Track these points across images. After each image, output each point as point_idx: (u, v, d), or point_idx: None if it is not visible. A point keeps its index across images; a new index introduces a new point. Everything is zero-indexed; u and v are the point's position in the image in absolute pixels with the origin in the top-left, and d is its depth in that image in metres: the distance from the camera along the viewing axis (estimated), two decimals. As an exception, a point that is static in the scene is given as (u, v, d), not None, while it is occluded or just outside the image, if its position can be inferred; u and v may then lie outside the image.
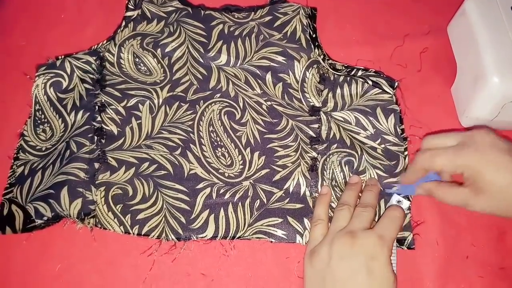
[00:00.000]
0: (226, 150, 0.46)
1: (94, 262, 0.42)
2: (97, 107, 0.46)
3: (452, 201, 0.40)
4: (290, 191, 0.44)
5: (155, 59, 0.49)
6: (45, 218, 0.41)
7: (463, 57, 0.50)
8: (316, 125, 0.47)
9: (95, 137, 0.45)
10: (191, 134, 0.46)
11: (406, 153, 0.46)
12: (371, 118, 0.47)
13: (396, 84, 0.48)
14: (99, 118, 0.46)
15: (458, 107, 0.50)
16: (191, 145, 0.46)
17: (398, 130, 0.47)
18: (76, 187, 0.42)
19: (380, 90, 0.48)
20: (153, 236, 0.42)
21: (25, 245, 0.42)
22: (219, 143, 0.46)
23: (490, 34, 0.45)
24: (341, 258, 0.36)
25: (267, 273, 0.42)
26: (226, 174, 0.45)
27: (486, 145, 0.39)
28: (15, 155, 0.45)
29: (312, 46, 0.50)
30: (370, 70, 0.49)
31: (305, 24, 0.51)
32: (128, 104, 0.47)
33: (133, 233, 0.42)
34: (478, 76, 0.45)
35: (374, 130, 0.47)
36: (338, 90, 0.49)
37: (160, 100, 0.47)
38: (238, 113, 0.48)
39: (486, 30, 0.46)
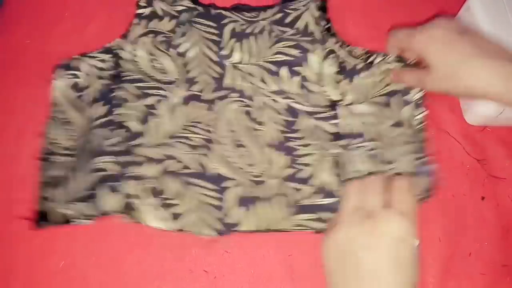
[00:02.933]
0: (247, 150, 0.45)
1: (98, 258, 0.42)
2: (116, 101, 0.46)
3: (409, 81, 0.45)
4: (317, 187, 0.44)
5: (169, 60, 0.49)
6: (90, 218, 0.42)
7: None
8: (336, 120, 0.46)
9: (118, 130, 0.45)
10: (211, 134, 0.46)
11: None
12: (387, 111, 0.47)
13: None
14: (117, 112, 0.46)
15: (462, 104, 0.49)
16: (212, 144, 0.45)
17: (417, 117, 0.46)
18: (111, 181, 0.42)
19: None
20: (192, 232, 0.42)
21: (29, 241, 0.43)
22: (240, 142, 0.46)
23: (495, 30, 0.45)
24: (364, 249, 0.33)
25: (270, 270, 0.42)
26: (251, 173, 0.44)
27: (438, 26, 0.42)
28: (43, 157, 0.45)
29: (327, 36, 0.50)
30: (389, 56, 0.48)
31: (317, 16, 0.51)
32: (145, 103, 0.47)
33: (172, 229, 0.42)
34: (482, 73, 0.45)
35: (393, 119, 0.46)
36: (356, 79, 0.48)
37: (177, 99, 0.47)
38: (255, 112, 0.47)
39: (491, 26, 0.45)
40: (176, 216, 0.42)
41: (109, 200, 0.42)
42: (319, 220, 0.43)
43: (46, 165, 0.44)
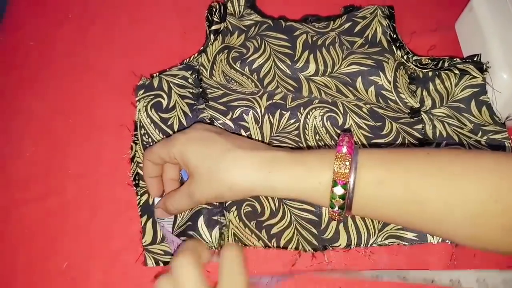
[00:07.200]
0: None
1: (100, 259, 0.42)
2: (205, 122, 0.45)
3: (179, 202, 0.38)
4: None
5: (244, 77, 0.48)
6: None
7: (471, 54, 0.49)
8: (419, 126, 0.45)
9: None
10: (299, 144, 0.45)
11: (510, 139, 0.45)
12: (465, 115, 0.46)
13: (484, 67, 0.46)
14: None
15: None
16: None
17: (496, 118, 0.45)
18: (212, 215, 0.41)
19: (472, 76, 0.46)
20: (291, 248, 0.41)
21: (32, 242, 0.43)
22: None
23: (498, 30, 0.45)
24: None
25: (271, 270, 0.42)
26: None
27: (194, 128, 0.39)
28: (134, 182, 0.44)
29: (394, 47, 0.49)
30: (456, 58, 0.48)
31: (385, 25, 0.50)
32: (234, 116, 0.45)
33: (273, 246, 0.41)
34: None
35: (472, 125, 0.45)
36: (431, 86, 0.48)
37: (262, 109, 0.46)
38: (340, 118, 0.45)
39: (494, 26, 0.45)
40: (272, 236, 0.41)
41: (209, 234, 0.40)
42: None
43: (138, 191, 0.44)
